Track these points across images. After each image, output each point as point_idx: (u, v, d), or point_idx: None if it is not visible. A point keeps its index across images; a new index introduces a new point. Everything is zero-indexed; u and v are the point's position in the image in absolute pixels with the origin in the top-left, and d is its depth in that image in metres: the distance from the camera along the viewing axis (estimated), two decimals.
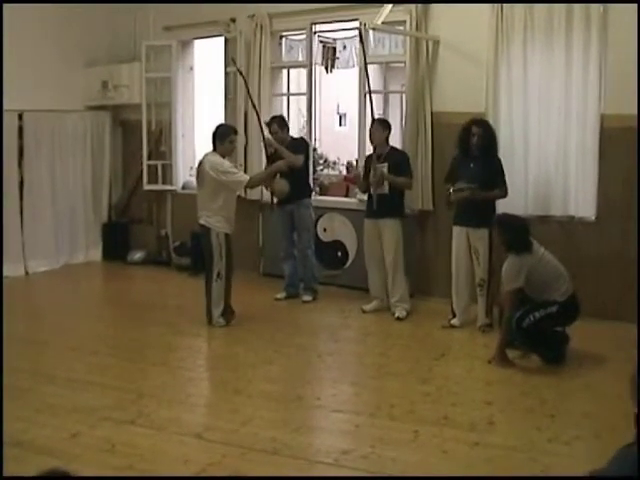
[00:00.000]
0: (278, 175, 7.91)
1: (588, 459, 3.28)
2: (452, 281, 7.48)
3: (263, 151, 8.44)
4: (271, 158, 8.05)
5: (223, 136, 7.38)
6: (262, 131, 8.23)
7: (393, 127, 8.02)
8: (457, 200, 7.30)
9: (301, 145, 8.46)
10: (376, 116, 7.96)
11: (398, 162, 7.73)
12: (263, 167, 8.84)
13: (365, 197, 8.10)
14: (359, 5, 8.55)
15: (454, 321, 7.42)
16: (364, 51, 7.77)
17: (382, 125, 7.86)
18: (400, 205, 7.86)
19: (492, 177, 7.20)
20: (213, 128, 7.53)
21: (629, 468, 2.62)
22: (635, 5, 7.04)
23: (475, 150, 7.26)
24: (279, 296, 8.57)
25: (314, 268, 8.58)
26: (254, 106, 8.32)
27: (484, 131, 7.25)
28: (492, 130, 7.37)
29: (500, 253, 6.75)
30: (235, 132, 7.67)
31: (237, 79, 9.51)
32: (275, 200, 8.29)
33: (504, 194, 7.27)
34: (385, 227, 7.77)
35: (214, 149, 7.39)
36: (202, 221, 7.32)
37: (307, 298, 8.47)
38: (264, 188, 8.60)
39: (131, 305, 8.53)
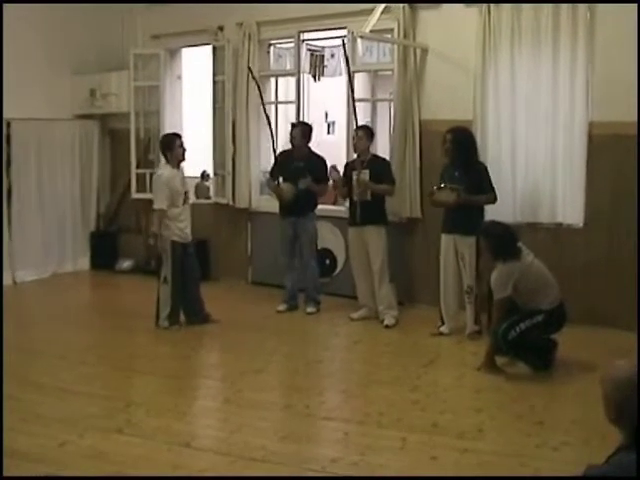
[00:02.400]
0: (281, 179, 8.16)
1: (576, 465, 3.28)
2: (440, 288, 7.49)
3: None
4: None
5: (171, 144, 7.57)
6: (272, 138, 8.42)
7: (381, 135, 8.04)
8: (444, 206, 7.31)
9: (321, 168, 8.24)
10: (360, 123, 7.97)
11: (380, 169, 7.73)
12: (256, 176, 8.93)
13: (347, 204, 8.10)
14: (347, 13, 8.54)
15: (443, 328, 7.43)
16: (347, 60, 7.83)
17: (367, 132, 7.85)
18: (383, 212, 7.87)
19: (476, 184, 7.20)
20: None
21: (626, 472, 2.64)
22: (621, 10, 7.09)
23: (448, 157, 7.30)
24: (281, 308, 8.37)
25: (317, 279, 8.46)
26: (265, 111, 8.46)
27: (454, 137, 7.24)
28: (466, 137, 7.32)
29: (487, 260, 6.76)
30: (179, 136, 7.75)
31: (225, 88, 9.52)
32: (281, 206, 8.34)
33: (492, 200, 7.27)
34: (370, 235, 7.76)
35: (166, 161, 7.62)
36: None
37: (311, 310, 8.30)
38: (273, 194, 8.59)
39: (119, 314, 8.49)
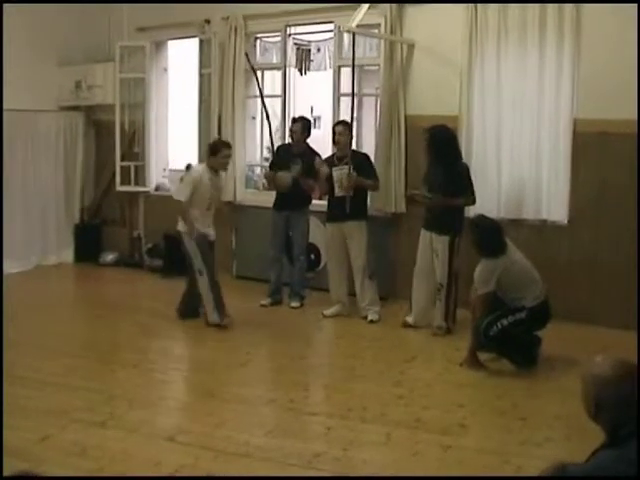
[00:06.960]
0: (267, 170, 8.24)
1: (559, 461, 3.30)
2: (413, 280, 7.49)
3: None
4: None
5: (216, 151, 7.49)
6: (270, 130, 8.39)
7: (367, 130, 8.03)
8: (424, 205, 7.35)
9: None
10: (342, 118, 7.95)
11: (362, 164, 7.69)
12: (241, 170, 8.88)
13: (324, 200, 8.13)
14: (334, 7, 8.54)
15: (408, 318, 7.43)
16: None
17: (348, 127, 7.77)
18: (365, 207, 7.84)
19: (454, 183, 7.12)
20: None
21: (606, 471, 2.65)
22: (607, 7, 7.12)
23: (427, 156, 7.29)
24: (265, 302, 8.33)
25: (304, 274, 8.43)
26: (264, 106, 8.44)
27: (431, 138, 7.19)
28: (443, 135, 7.22)
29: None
30: (227, 146, 7.65)
31: (212, 81, 9.49)
32: (276, 199, 8.33)
33: (471, 202, 7.25)
34: (353, 230, 7.73)
35: (206, 163, 7.57)
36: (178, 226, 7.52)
37: (295, 304, 8.27)
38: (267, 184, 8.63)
39: (103, 307, 8.46)
